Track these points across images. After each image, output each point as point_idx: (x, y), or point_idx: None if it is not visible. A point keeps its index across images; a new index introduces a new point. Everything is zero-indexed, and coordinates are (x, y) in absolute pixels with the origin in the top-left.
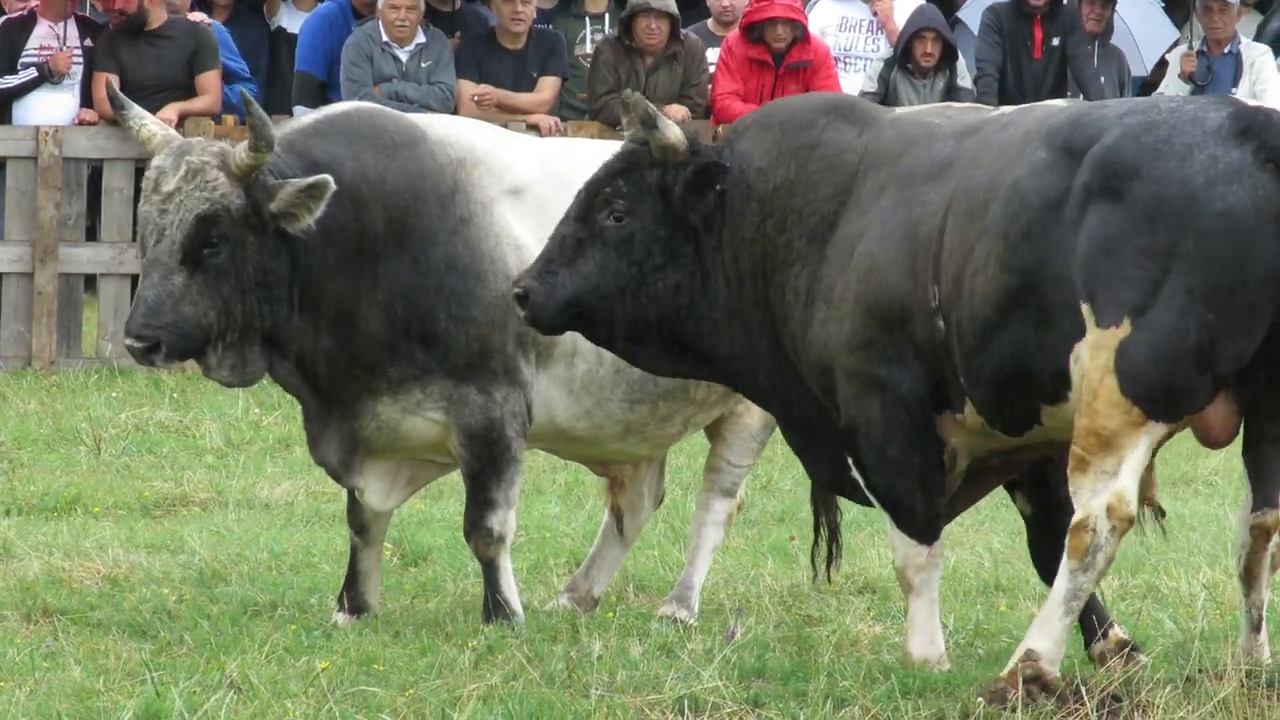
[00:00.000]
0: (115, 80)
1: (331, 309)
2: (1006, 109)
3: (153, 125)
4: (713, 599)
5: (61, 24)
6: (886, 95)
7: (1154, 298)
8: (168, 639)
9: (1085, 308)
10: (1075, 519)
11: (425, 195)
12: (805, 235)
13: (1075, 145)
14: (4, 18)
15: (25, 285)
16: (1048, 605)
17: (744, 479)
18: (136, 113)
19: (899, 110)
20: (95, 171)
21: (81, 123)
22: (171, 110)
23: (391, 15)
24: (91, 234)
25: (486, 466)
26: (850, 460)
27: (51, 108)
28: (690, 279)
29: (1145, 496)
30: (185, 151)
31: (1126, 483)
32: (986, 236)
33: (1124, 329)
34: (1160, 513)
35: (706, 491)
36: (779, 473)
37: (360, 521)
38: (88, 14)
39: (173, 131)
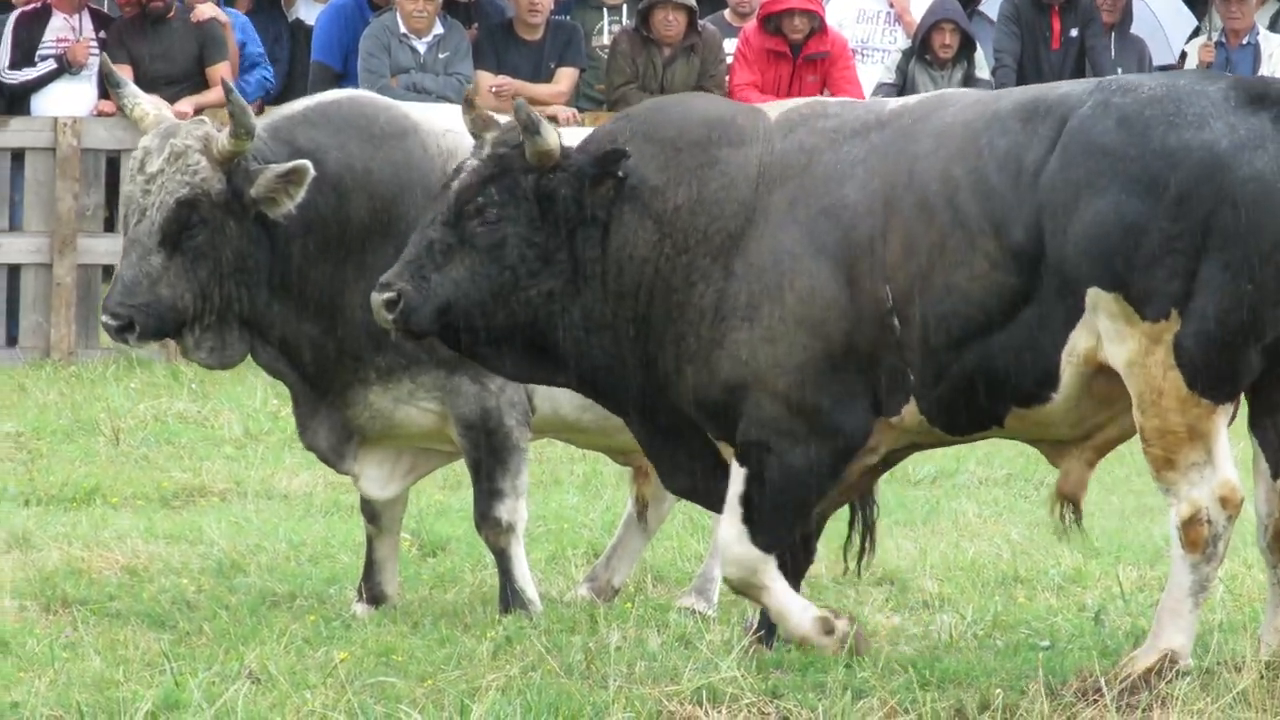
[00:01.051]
0: (128, 72)
1: (315, 296)
2: (894, 101)
3: (146, 105)
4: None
5: (76, 16)
6: (904, 86)
7: (1194, 282)
8: (187, 629)
9: (1110, 298)
10: (1183, 514)
11: (412, 186)
12: (710, 254)
13: (1051, 130)
14: (19, 10)
15: (44, 276)
16: (1173, 600)
17: None
18: (130, 91)
19: (773, 115)
20: (113, 162)
21: (99, 114)
22: (187, 103)
23: (409, 6)
24: (110, 225)
25: (488, 456)
26: (741, 470)
27: (69, 99)
28: (564, 286)
29: (1072, 495)
30: (171, 134)
31: (1227, 469)
32: (962, 232)
33: (1174, 322)
34: (1077, 514)
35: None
36: None
37: (371, 510)
38: (103, 8)
39: (166, 112)
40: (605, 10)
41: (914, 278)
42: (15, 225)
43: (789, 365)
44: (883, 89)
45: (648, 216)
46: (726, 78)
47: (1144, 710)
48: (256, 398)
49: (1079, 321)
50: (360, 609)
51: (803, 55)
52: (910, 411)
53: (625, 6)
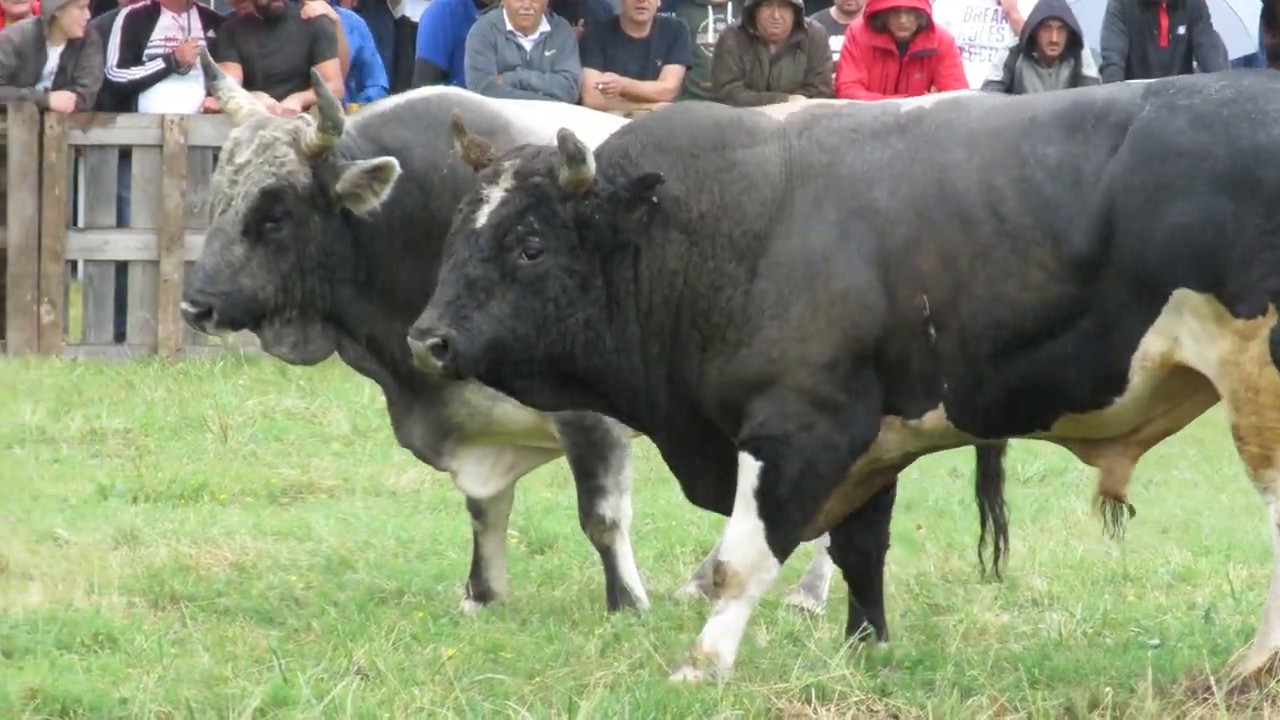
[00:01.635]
0: (238, 70)
1: (403, 295)
2: (907, 103)
3: (241, 98)
4: (840, 587)
5: (185, 15)
6: (1012, 84)
7: None
8: (295, 626)
9: (1201, 298)
10: None
11: None
12: (735, 257)
13: (1108, 137)
14: (128, 9)
15: (151, 273)
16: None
17: None
18: (226, 84)
19: (780, 116)
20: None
21: (206, 111)
22: (295, 100)
23: (516, 4)
24: None
25: (589, 453)
26: (755, 464)
27: (177, 97)
28: (600, 312)
29: (1116, 492)
30: (261, 126)
31: None
32: (1010, 242)
33: (1270, 317)
34: (1130, 511)
35: None
36: None
37: (476, 506)
38: (211, 6)
39: (259, 105)
40: (710, 8)
41: (954, 287)
42: (123, 222)
43: (817, 363)
44: (990, 86)
45: (673, 228)
46: (833, 75)
47: (1254, 709)
48: (365, 394)
49: (1153, 325)
50: (468, 606)
51: (909, 53)
52: (934, 417)
53: (730, 4)
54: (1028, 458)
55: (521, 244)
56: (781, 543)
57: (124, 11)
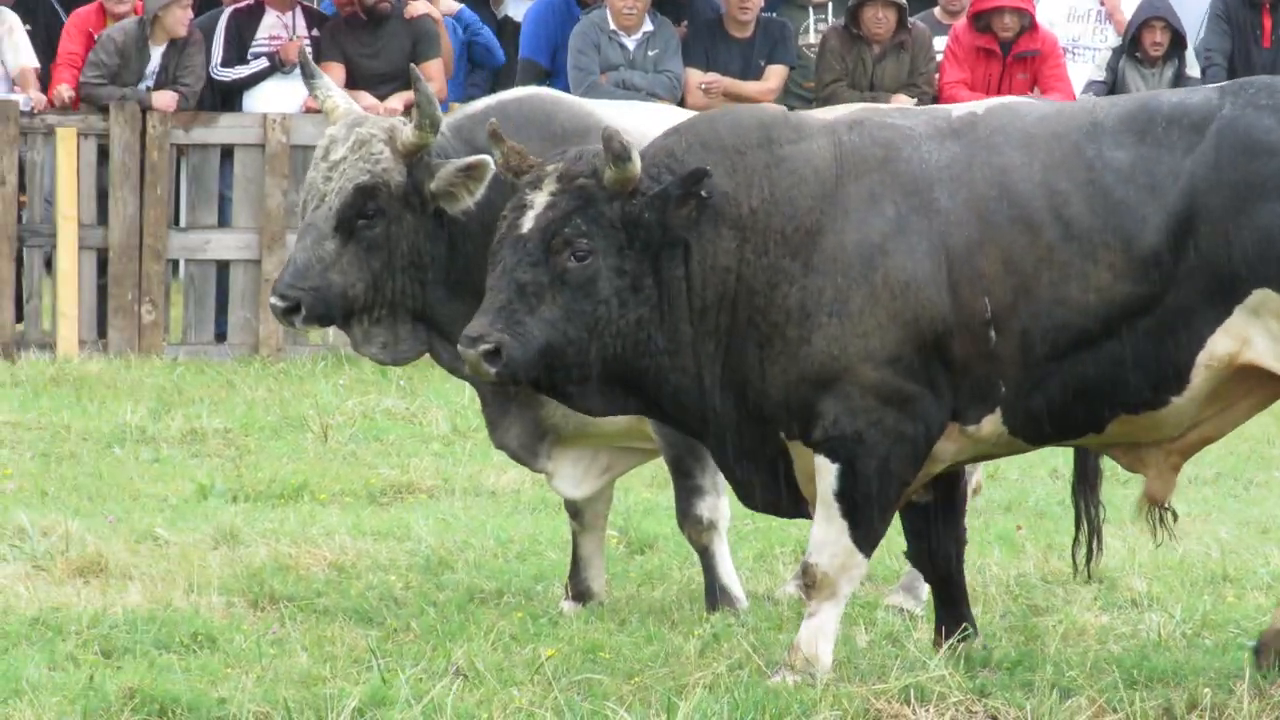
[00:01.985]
0: (341, 70)
1: None
2: (958, 108)
3: (337, 97)
4: None
5: (289, 14)
6: (1115, 85)
7: None
8: (394, 626)
9: None
10: None
11: None
12: (789, 253)
13: (1184, 138)
14: (232, 8)
15: (253, 272)
16: None
17: (976, 466)
18: (324, 83)
19: (828, 115)
20: None
21: (309, 110)
22: (397, 100)
23: (619, 4)
24: None
25: (686, 454)
26: (832, 465)
27: (279, 96)
28: (651, 312)
29: (1161, 499)
30: (357, 123)
31: None
32: (1076, 245)
33: None
34: (1173, 515)
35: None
36: (1006, 462)
37: (574, 506)
38: (315, 5)
39: (355, 105)
40: (811, 9)
41: (1016, 291)
42: (224, 222)
43: (881, 358)
44: (1093, 87)
45: (724, 224)
46: (936, 76)
47: None
48: (465, 394)
49: (1223, 325)
50: (567, 606)
51: (1013, 53)
52: (992, 422)
53: (831, 5)
54: None
55: (570, 246)
56: (867, 540)
57: (228, 10)
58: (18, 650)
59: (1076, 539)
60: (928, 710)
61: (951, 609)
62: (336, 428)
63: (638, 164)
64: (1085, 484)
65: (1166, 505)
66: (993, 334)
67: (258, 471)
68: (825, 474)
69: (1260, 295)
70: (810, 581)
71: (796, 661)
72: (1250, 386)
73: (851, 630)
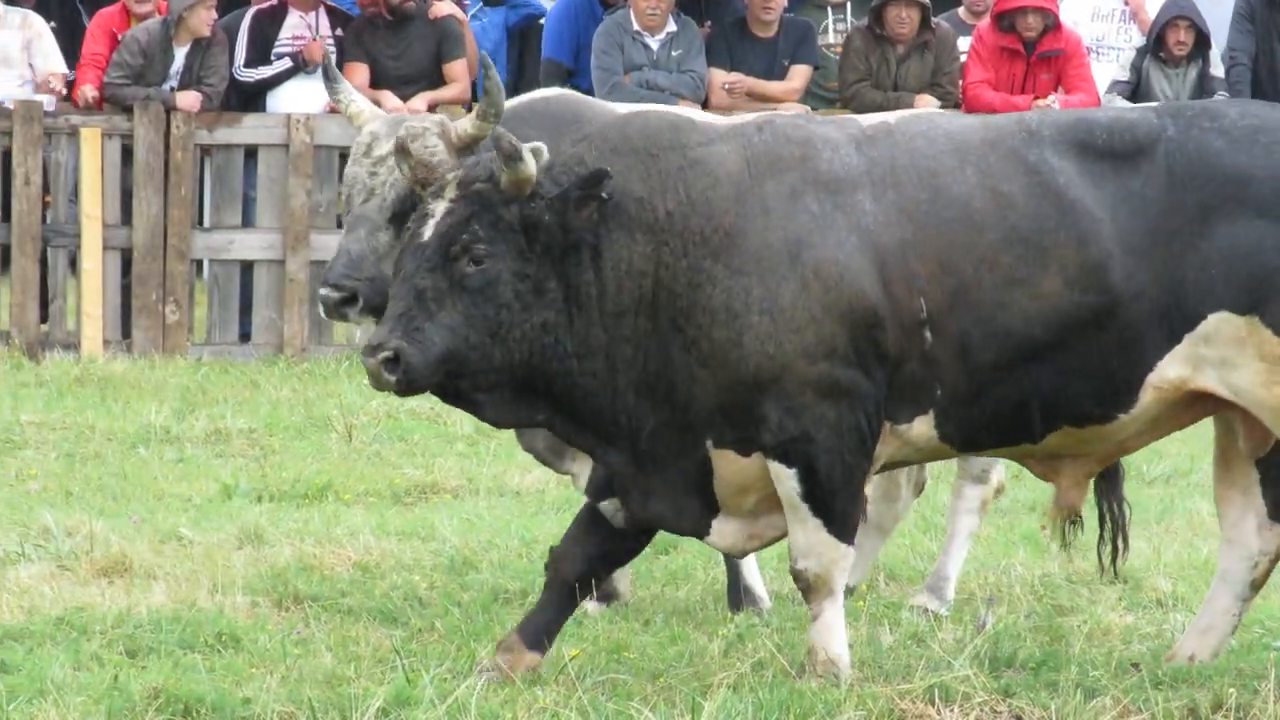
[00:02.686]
0: (365, 71)
1: None
2: (867, 119)
3: (361, 103)
4: (964, 588)
5: (312, 14)
6: (1139, 84)
7: None
8: (419, 626)
9: (1241, 321)
10: None
11: None
12: (710, 254)
13: (1126, 153)
14: (256, 8)
15: (277, 272)
16: None
17: (996, 464)
18: (345, 88)
19: (735, 119)
20: (345, 158)
21: (332, 111)
22: (421, 100)
23: (643, 4)
24: (342, 221)
25: None
26: (789, 470)
27: (303, 97)
28: (557, 316)
29: (1073, 507)
30: (401, 120)
31: None
32: (1021, 249)
33: None
34: (1082, 525)
35: (958, 478)
36: None
37: None
38: (337, 4)
39: (379, 109)
40: (829, 9)
41: (954, 293)
42: (248, 222)
43: (818, 352)
44: (1117, 87)
45: (639, 229)
46: (960, 76)
47: None
48: None
49: (1175, 348)
50: (591, 606)
51: (1036, 53)
52: (924, 424)
53: (849, 6)
54: (1153, 458)
55: (468, 251)
56: (844, 529)
57: (251, 11)
58: (43, 650)
59: (1101, 537)
60: (952, 710)
61: None
62: (361, 428)
63: (531, 164)
64: (1107, 482)
65: (1078, 515)
66: (928, 335)
67: (282, 471)
68: (784, 479)
69: (1216, 319)
70: (804, 586)
71: (818, 665)
72: (1193, 406)
73: (876, 630)
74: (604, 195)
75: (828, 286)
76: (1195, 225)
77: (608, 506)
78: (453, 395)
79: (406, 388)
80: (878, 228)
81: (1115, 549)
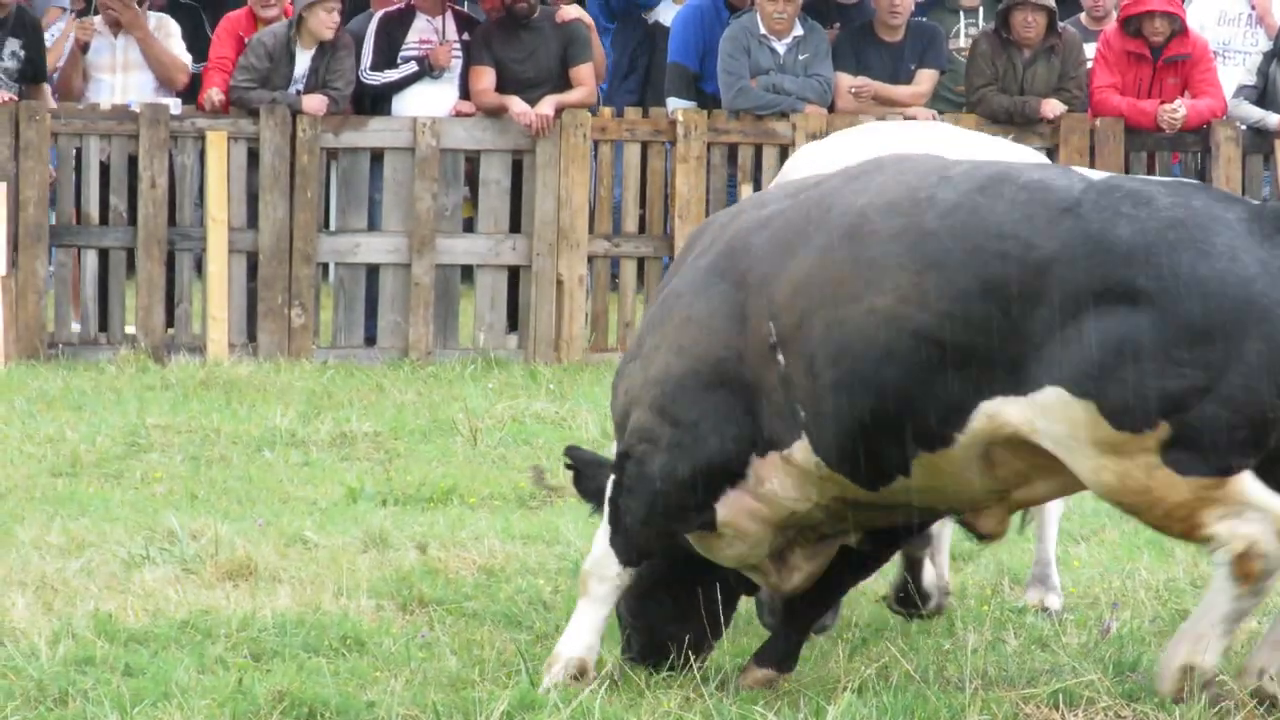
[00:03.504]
0: (491, 74)
1: None
2: (818, 175)
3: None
4: (1088, 593)
5: (439, 18)
6: (1266, 89)
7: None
8: (543, 629)
9: (1081, 405)
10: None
11: None
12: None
13: (1029, 206)
14: (383, 11)
15: (402, 276)
16: None
17: None
18: None
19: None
20: (472, 162)
21: (458, 114)
22: (548, 104)
23: (769, 7)
24: (469, 225)
25: None
26: (613, 476)
27: (430, 100)
28: None
29: (997, 536)
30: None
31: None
32: (866, 267)
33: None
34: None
35: None
36: None
37: None
38: (464, 8)
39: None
40: (961, 13)
41: (802, 314)
42: (374, 225)
43: (654, 378)
44: (1244, 91)
45: None
46: (1087, 80)
47: None
48: None
49: (1010, 396)
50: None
51: (1163, 58)
52: (803, 450)
53: (981, 9)
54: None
55: None
56: (626, 551)
57: (378, 14)
58: (167, 653)
59: None
60: (1076, 715)
61: None
62: (486, 431)
63: None
64: None
65: (1000, 538)
66: (781, 358)
67: (407, 475)
68: (608, 485)
69: (1054, 393)
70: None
71: (553, 661)
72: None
73: (1000, 635)
74: None
75: (679, 326)
76: (1077, 300)
77: None
78: None
79: None
80: (754, 263)
81: None
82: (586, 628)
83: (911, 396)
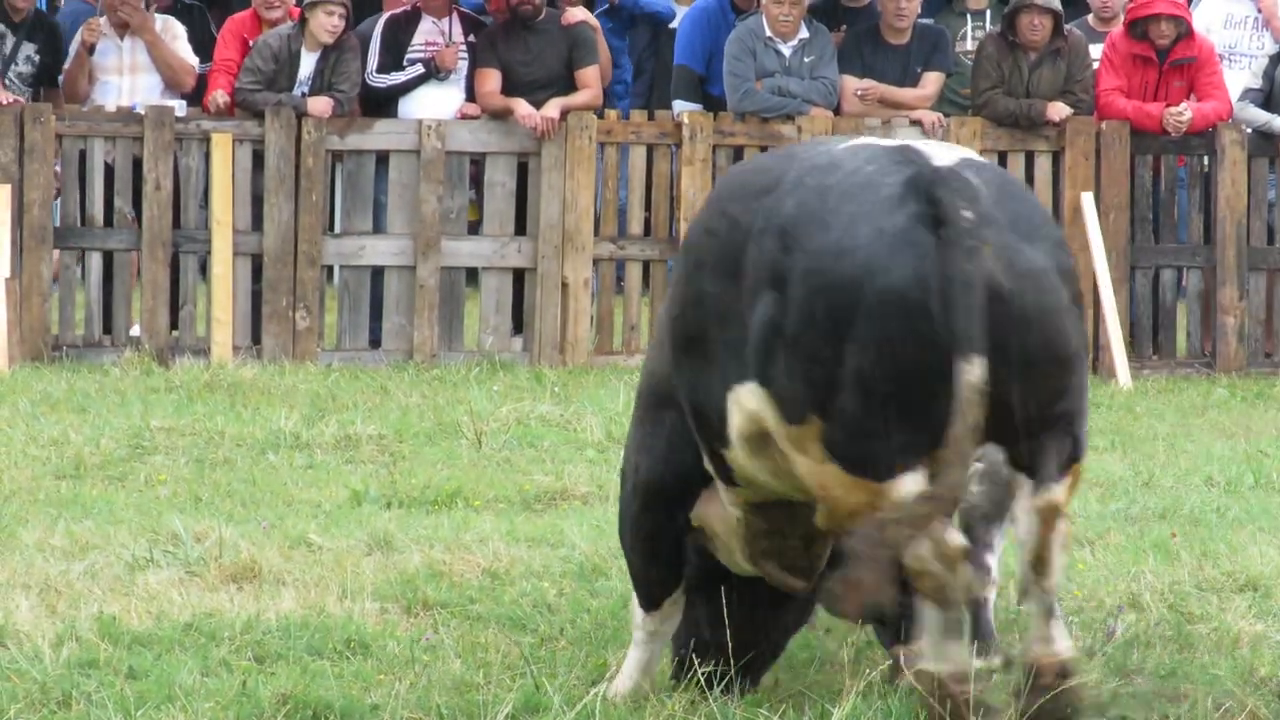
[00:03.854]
0: (497, 76)
1: None
2: None
3: None
4: (1094, 595)
5: (445, 20)
6: (1271, 92)
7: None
8: (548, 632)
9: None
10: None
11: None
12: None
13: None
14: (389, 14)
15: (407, 278)
16: None
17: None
18: None
19: None
20: (477, 164)
21: (464, 117)
22: (554, 107)
23: (775, 10)
24: (473, 228)
25: None
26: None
27: (435, 103)
28: None
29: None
30: None
31: None
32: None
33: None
34: None
35: None
36: (1160, 469)
37: None
38: (468, 10)
39: None
40: (968, 16)
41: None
42: (379, 228)
43: (643, 407)
44: (1250, 94)
45: None
46: (1093, 83)
47: None
48: (619, 400)
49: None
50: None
51: (1169, 61)
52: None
53: (989, 11)
54: None
55: None
56: (637, 591)
57: (384, 17)
58: (171, 656)
59: None
60: None
61: None
62: (490, 434)
63: None
64: None
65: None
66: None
67: (411, 478)
68: None
69: (750, 386)
70: None
71: (613, 690)
72: None
73: (1005, 638)
74: None
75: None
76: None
77: None
78: None
79: None
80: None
81: None
82: (631, 667)
83: (704, 387)
